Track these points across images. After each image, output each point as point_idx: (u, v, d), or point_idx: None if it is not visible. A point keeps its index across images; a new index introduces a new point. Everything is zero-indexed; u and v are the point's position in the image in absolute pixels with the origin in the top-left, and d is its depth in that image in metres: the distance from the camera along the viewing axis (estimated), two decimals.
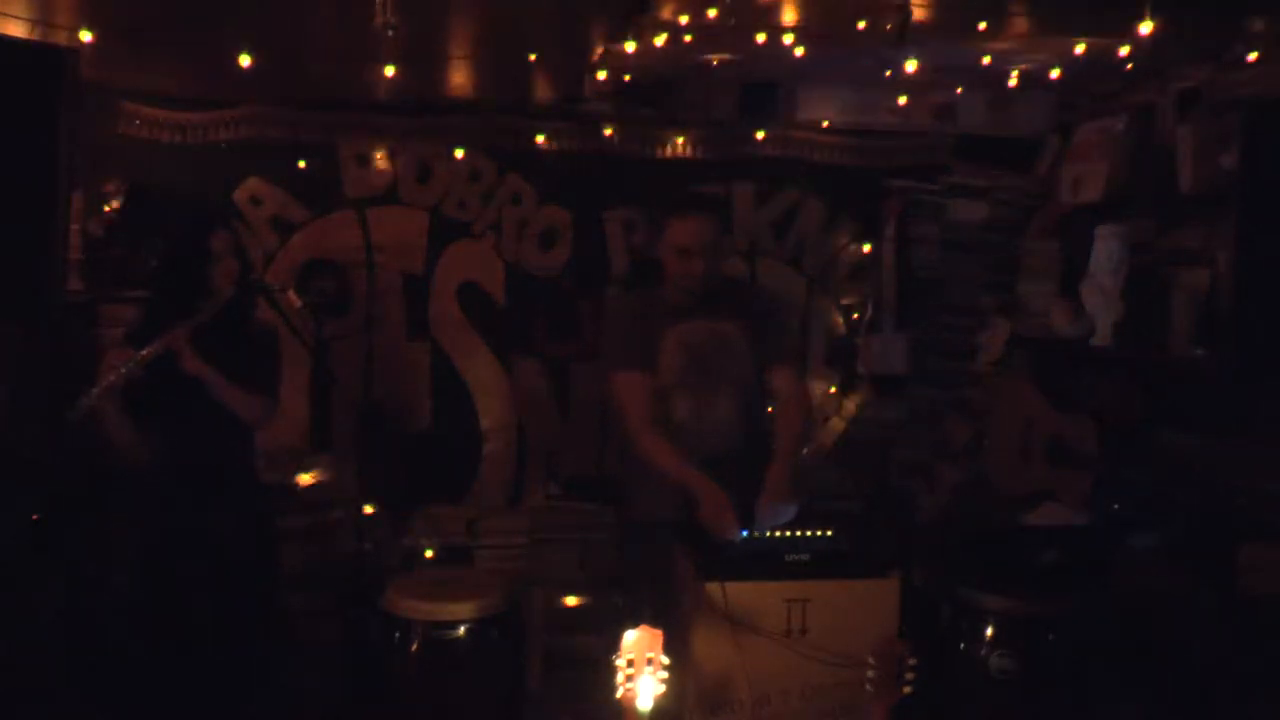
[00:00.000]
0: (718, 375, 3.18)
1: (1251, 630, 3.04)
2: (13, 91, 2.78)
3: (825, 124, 4.69)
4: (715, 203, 3.43)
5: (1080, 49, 3.55)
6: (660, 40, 3.39)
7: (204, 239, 3.07)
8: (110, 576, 3.41)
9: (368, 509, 3.92)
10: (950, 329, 4.79)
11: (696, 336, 3.18)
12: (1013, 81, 4.01)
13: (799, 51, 3.46)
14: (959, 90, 4.28)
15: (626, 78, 4.01)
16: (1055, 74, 3.85)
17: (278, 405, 3.21)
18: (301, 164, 4.48)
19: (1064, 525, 3.75)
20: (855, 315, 4.89)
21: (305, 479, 4.34)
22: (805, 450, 3.26)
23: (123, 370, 2.86)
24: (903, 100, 4.39)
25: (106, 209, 4.19)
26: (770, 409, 3.26)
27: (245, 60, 3.50)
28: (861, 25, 3.24)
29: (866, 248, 4.81)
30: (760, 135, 4.68)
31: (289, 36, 3.60)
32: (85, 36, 3.18)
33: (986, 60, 3.74)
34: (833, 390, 4.82)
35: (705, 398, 3.18)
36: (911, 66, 3.37)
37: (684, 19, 3.20)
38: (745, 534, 2.89)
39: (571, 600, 4.29)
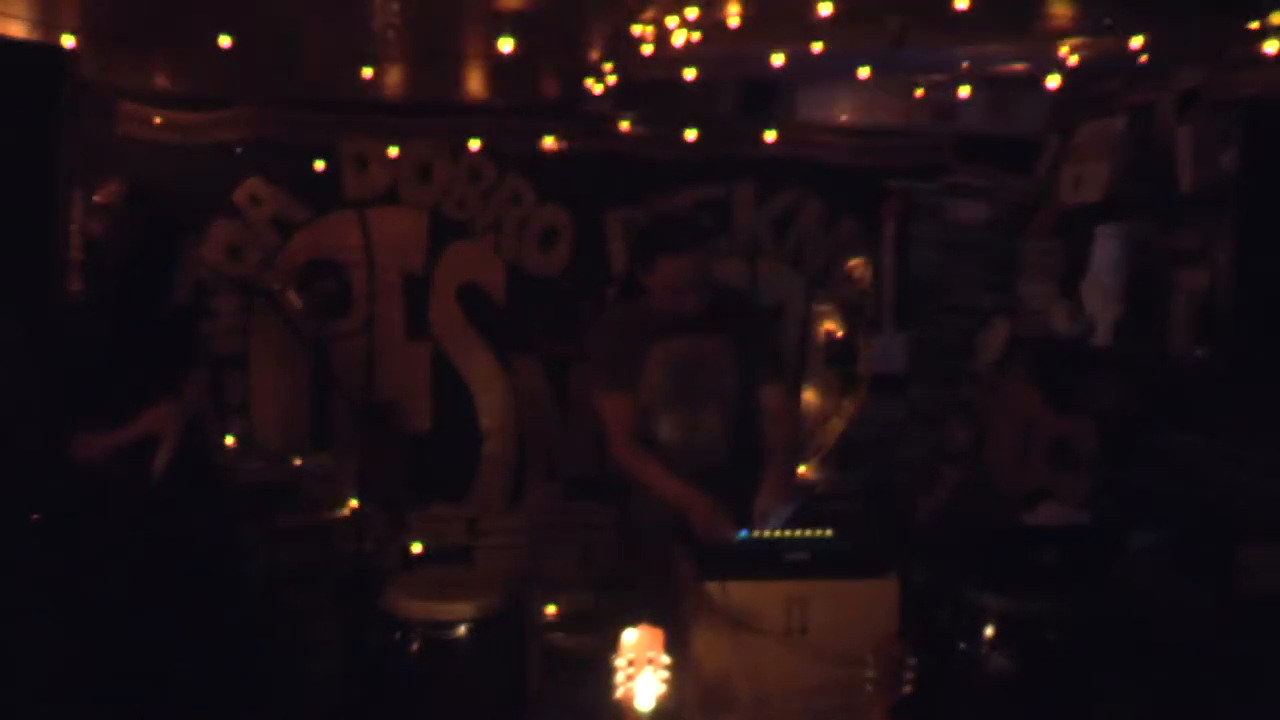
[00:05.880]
0: (703, 391, 3.16)
1: (1251, 630, 3.04)
2: (13, 91, 2.78)
3: (825, 124, 4.68)
4: (706, 231, 3.35)
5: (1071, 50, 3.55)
6: (659, 39, 3.39)
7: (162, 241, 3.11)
8: (109, 576, 3.40)
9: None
10: (950, 329, 4.79)
11: (680, 354, 3.14)
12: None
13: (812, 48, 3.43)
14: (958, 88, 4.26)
15: (626, 77, 4.01)
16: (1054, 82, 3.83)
17: (205, 374, 3.23)
18: (318, 165, 4.47)
19: (1064, 525, 3.74)
20: (855, 315, 4.89)
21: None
22: (802, 456, 3.26)
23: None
24: (902, 101, 4.39)
25: (106, 209, 4.18)
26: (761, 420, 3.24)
27: (244, 60, 3.50)
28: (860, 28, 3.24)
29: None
30: (760, 135, 4.68)
31: (289, 36, 3.60)
32: (83, 37, 3.18)
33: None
34: (833, 390, 4.82)
35: (691, 414, 3.16)
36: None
37: (691, 12, 3.18)
38: (745, 533, 2.89)
39: (571, 600, 4.30)
